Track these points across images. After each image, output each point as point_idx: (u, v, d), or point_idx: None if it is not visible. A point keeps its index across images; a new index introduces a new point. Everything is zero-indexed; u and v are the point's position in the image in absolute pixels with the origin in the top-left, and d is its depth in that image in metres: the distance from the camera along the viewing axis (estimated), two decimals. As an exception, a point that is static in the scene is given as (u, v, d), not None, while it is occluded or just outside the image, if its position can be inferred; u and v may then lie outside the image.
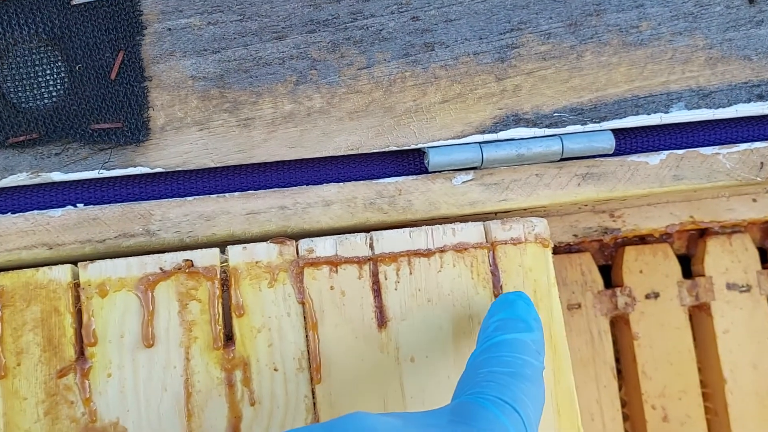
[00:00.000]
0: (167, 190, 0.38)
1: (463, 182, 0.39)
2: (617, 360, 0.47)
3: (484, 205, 0.39)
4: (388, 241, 0.36)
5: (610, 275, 0.48)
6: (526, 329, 0.32)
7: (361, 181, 0.38)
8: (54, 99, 0.36)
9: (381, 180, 0.38)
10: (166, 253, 0.34)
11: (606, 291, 0.46)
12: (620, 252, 0.47)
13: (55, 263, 0.35)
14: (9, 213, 0.37)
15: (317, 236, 0.37)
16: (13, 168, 0.36)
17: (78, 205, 0.37)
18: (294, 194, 0.38)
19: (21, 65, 0.35)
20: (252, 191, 0.38)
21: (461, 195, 0.39)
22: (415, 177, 0.38)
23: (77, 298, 0.34)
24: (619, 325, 0.47)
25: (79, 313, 0.34)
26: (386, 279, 0.36)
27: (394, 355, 0.35)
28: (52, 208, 0.37)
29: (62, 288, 0.33)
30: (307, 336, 0.35)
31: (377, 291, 0.36)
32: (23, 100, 0.36)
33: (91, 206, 0.37)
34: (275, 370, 0.34)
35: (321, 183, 0.38)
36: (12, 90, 0.36)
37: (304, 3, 0.37)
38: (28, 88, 0.36)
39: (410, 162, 0.39)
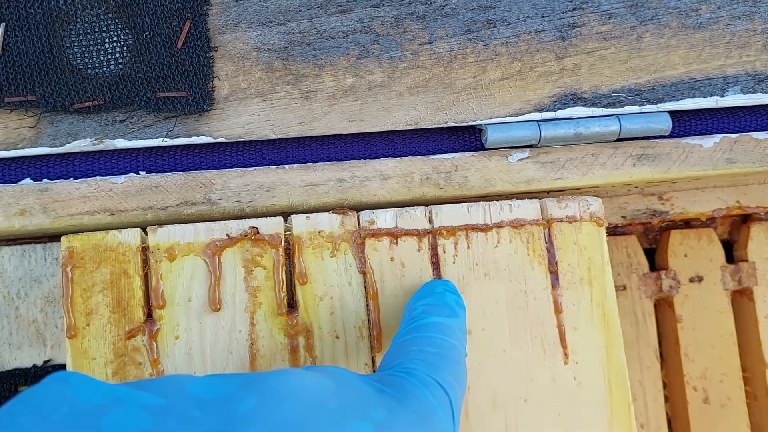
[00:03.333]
0: (228, 160, 0.38)
1: (519, 160, 0.39)
2: (659, 342, 0.47)
3: (539, 183, 0.39)
4: (447, 215, 0.37)
5: (653, 259, 0.49)
6: (452, 315, 0.32)
7: (419, 157, 0.39)
8: (120, 66, 0.36)
9: (438, 156, 0.39)
10: (232, 220, 0.35)
11: (651, 274, 0.46)
12: (665, 236, 0.47)
13: (117, 229, 0.36)
14: (72, 178, 0.37)
15: (375, 209, 0.37)
16: (77, 133, 0.37)
17: (140, 172, 0.38)
18: (352, 167, 0.38)
19: (89, 31, 0.36)
20: (311, 163, 0.38)
21: (517, 172, 0.39)
22: (471, 153, 0.39)
23: (145, 262, 0.34)
24: (662, 307, 0.48)
25: (147, 276, 0.34)
26: (445, 252, 0.36)
27: None
28: (115, 175, 0.37)
29: (131, 251, 0.34)
30: (367, 305, 0.35)
31: (436, 264, 0.36)
32: (90, 66, 0.36)
33: (154, 174, 0.37)
34: (337, 337, 0.35)
35: (379, 157, 0.39)
36: (79, 56, 0.36)
37: (370, -23, 0.37)
38: (95, 54, 0.36)
39: (467, 138, 0.40)
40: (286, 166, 0.38)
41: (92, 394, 0.20)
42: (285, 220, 0.36)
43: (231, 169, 0.38)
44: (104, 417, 0.20)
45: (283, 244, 0.35)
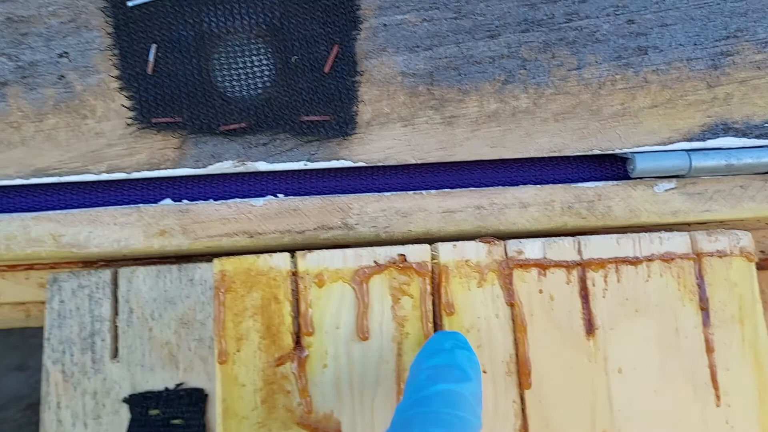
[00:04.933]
0: (366, 184, 0.38)
1: (666, 190, 0.38)
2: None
3: (686, 215, 0.37)
4: (596, 246, 0.35)
5: (783, 295, 0.46)
6: (463, 378, 0.27)
7: (560, 184, 0.37)
8: (267, 89, 0.36)
9: (580, 184, 0.38)
10: (379, 247, 0.34)
11: (785, 311, 0.44)
12: (800, 272, 0.45)
13: (253, 252, 0.35)
14: (211, 200, 0.37)
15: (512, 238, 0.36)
16: (220, 155, 0.37)
17: (279, 195, 0.37)
18: (491, 194, 0.37)
19: (237, 54, 0.36)
20: (449, 189, 0.37)
21: (663, 203, 0.37)
22: (615, 182, 0.38)
23: (295, 287, 0.34)
24: (797, 347, 0.45)
25: (296, 302, 0.33)
26: (594, 285, 0.35)
27: (602, 364, 0.34)
28: (254, 197, 0.37)
29: (282, 276, 0.33)
30: (515, 339, 0.34)
31: (585, 297, 0.35)
32: (237, 89, 0.36)
33: (292, 197, 0.37)
34: (484, 371, 0.33)
35: (518, 184, 0.38)
36: (227, 78, 0.36)
37: (520, 2, 0.36)
38: (242, 77, 0.36)
39: (610, 167, 0.38)
40: (424, 192, 0.37)
41: None
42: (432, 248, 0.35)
43: (368, 194, 0.37)
44: None
45: (430, 273, 0.34)
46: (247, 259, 0.34)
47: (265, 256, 0.34)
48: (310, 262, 0.34)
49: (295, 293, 0.33)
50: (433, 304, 0.34)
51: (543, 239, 0.35)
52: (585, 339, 0.34)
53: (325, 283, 0.33)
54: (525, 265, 0.35)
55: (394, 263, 0.34)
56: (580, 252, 0.35)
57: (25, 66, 0.35)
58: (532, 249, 0.35)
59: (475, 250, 0.35)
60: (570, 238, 0.35)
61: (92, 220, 0.36)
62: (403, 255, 0.34)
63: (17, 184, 0.36)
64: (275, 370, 0.32)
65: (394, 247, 0.34)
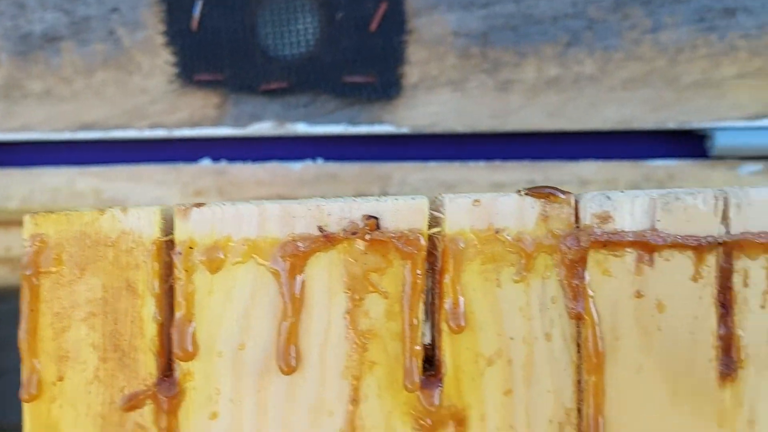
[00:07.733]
0: (409, 152, 0.35)
1: (750, 173, 0.33)
2: None
3: (775, 202, 0.32)
4: (757, 211, 0.20)
5: None
6: None
7: (627, 161, 0.34)
8: (309, 48, 0.35)
9: (650, 161, 0.33)
10: (332, 200, 0.20)
11: None
12: None
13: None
14: (250, 161, 0.36)
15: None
16: (259, 116, 0.35)
17: (318, 159, 0.36)
18: (546, 169, 0.34)
19: (282, 11, 0.34)
20: (499, 161, 0.34)
21: (748, 188, 0.33)
22: (691, 161, 0.33)
23: (168, 270, 0.20)
24: None
25: (169, 297, 0.20)
26: (746, 286, 0.20)
27: (742, 429, 0.20)
28: (292, 161, 0.36)
29: (143, 248, 0.20)
30: (579, 382, 0.20)
31: (726, 307, 0.20)
32: (279, 47, 0.35)
33: (331, 162, 0.35)
34: None
35: (578, 159, 0.34)
36: (270, 36, 0.35)
37: (588, -45, 0.33)
38: (285, 35, 0.35)
39: (685, 143, 0.34)
40: (471, 163, 0.35)
41: None
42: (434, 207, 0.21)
43: (411, 162, 0.35)
44: None
45: (424, 251, 0.20)
46: (82, 216, 0.20)
47: (115, 211, 0.20)
48: (197, 223, 0.19)
49: (168, 280, 0.20)
50: (427, 308, 0.20)
51: (655, 192, 0.20)
52: (716, 386, 0.20)
53: (223, 265, 0.19)
54: (614, 243, 0.20)
55: (354, 233, 0.20)
56: (726, 220, 0.20)
57: (79, 21, 0.36)
58: (632, 213, 0.20)
59: (516, 211, 0.20)
60: (710, 191, 0.20)
61: (132, 177, 0.36)
62: (375, 218, 0.19)
63: (65, 139, 0.37)
64: (124, 416, 0.20)
65: (360, 201, 0.20)
